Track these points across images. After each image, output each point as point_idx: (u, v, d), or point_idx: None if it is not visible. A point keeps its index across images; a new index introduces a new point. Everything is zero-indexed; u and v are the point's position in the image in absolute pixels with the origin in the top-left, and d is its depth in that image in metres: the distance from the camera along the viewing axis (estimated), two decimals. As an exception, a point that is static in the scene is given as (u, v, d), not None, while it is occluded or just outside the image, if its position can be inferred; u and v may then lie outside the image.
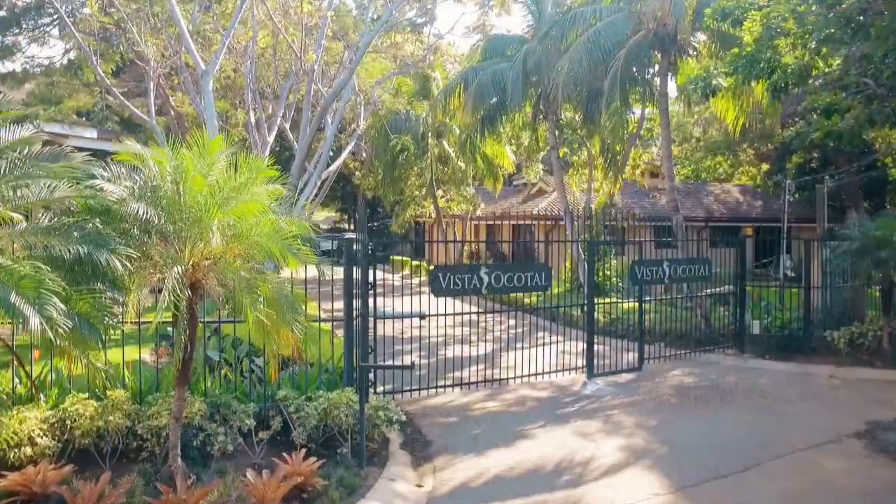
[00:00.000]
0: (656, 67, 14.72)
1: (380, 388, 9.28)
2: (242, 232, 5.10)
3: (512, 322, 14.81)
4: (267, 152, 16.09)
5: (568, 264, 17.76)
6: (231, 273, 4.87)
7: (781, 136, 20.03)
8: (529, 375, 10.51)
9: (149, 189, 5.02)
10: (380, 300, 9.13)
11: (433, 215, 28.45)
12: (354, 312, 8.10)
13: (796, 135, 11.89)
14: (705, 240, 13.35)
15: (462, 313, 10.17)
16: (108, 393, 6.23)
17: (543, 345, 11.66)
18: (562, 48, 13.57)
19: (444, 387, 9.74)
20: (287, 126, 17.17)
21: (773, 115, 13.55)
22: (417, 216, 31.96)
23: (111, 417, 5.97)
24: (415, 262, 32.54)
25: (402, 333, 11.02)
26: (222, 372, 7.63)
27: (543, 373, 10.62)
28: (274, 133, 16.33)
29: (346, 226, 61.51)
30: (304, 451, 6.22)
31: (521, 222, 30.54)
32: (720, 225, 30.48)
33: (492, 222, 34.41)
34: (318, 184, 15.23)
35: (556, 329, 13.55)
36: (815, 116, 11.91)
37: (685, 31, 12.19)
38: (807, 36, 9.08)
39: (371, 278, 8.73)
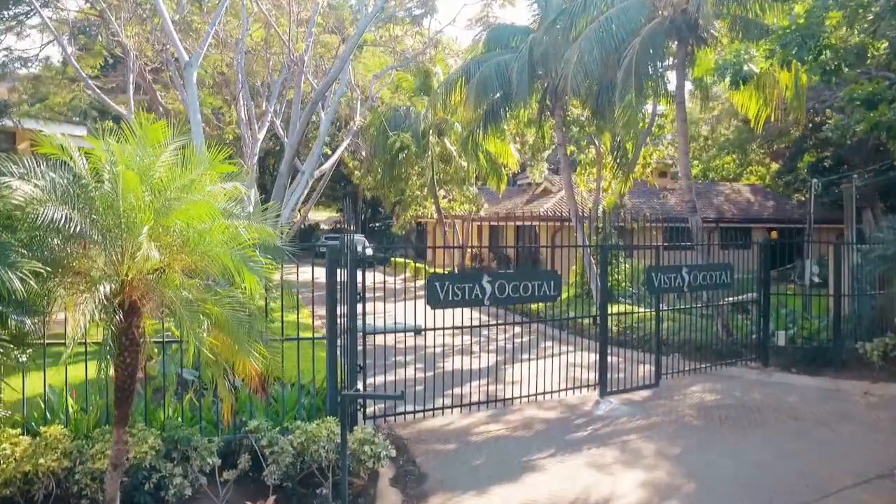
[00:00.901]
0: (670, 60, 13.77)
1: (370, 410, 8.35)
2: (189, 240, 4.15)
3: (517, 330, 13.83)
4: (257, 150, 15.18)
5: (576, 268, 16.82)
6: (171, 291, 3.92)
7: (799, 131, 19.02)
8: (536, 395, 9.54)
9: (76, 188, 4.07)
10: (376, 306, 8.20)
11: (435, 216, 27.53)
12: (339, 329, 7.13)
13: (835, 128, 10.87)
14: (717, 244, 12.28)
15: (462, 327, 9.19)
16: (44, 429, 5.29)
17: (551, 356, 10.64)
18: (570, 38, 12.61)
19: (443, 409, 8.78)
20: (278, 122, 16.24)
21: (799, 107, 12.56)
22: (419, 217, 31.02)
23: (43, 460, 5.03)
24: (416, 265, 31.67)
25: (397, 343, 10.13)
26: (185, 398, 6.68)
27: (552, 392, 9.65)
28: (265, 130, 15.42)
29: (347, 226, 60.70)
30: (274, 497, 5.28)
31: (527, 223, 29.60)
32: (732, 226, 29.50)
33: (496, 223, 33.48)
34: (310, 183, 14.31)
35: (565, 338, 12.59)
36: (845, 108, 10.88)
37: (707, 18, 11.22)
38: (861, 10, 8.07)
39: (360, 287, 7.77)
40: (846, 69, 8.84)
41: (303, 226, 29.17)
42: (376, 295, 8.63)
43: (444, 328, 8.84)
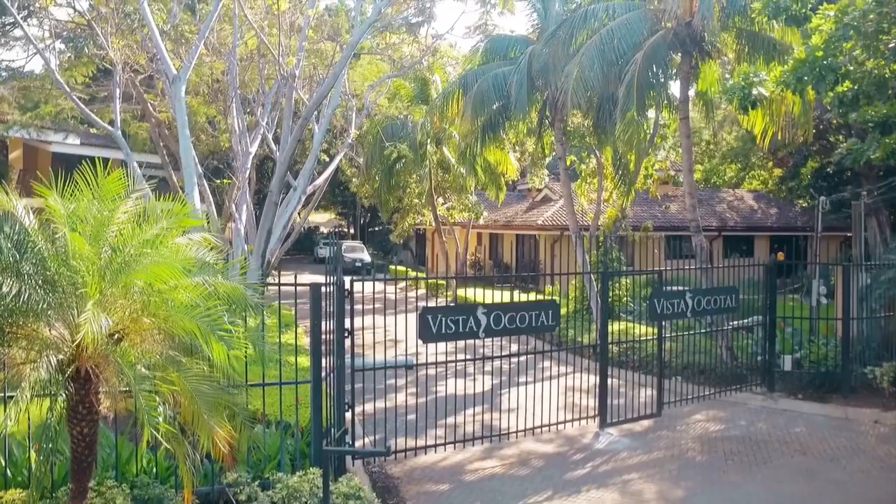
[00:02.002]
0: (673, 72, 13.36)
1: (360, 444, 7.99)
2: (150, 304, 3.78)
3: (514, 347, 13.45)
4: (249, 163, 14.80)
5: (576, 282, 16.42)
6: (125, 365, 3.55)
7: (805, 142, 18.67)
8: (534, 429, 9.16)
9: (21, 252, 3.68)
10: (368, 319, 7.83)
11: (433, 224, 27.19)
12: (325, 371, 6.76)
13: (847, 153, 10.45)
14: (722, 266, 11.82)
15: (456, 360, 8.80)
16: (1, 493, 4.92)
17: (549, 378, 10.20)
18: (570, 50, 12.21)
19: (435, 446, 8.39)
20: (270, 136, 15.86)
21: (807, 123, 12.17)
22: (418, 224, 30.66)
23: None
24: (414, 274, 31.30)
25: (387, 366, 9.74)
26: (160, 448, 6.29)
27: (550, 425, 9.27)
28: (257, 143, 15.03)
29: (347, 230, 60.28)
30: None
31: (526, 233, 29.22)
32: (734, 235, 29.11)
33: (495, 231, 33.09)
34: (303, 199, 13.94)
35: (564, 358, 12.20)
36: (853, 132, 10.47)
37: (713, 31, 10.82)
38: (883, 37, 7.63)
39: (347, 324, 7.40)
40: (865, 102, 8.43)
41: (303, 228, 28.80)
42: (374, 306, 8.25)
43: (436, 363, 8.47)
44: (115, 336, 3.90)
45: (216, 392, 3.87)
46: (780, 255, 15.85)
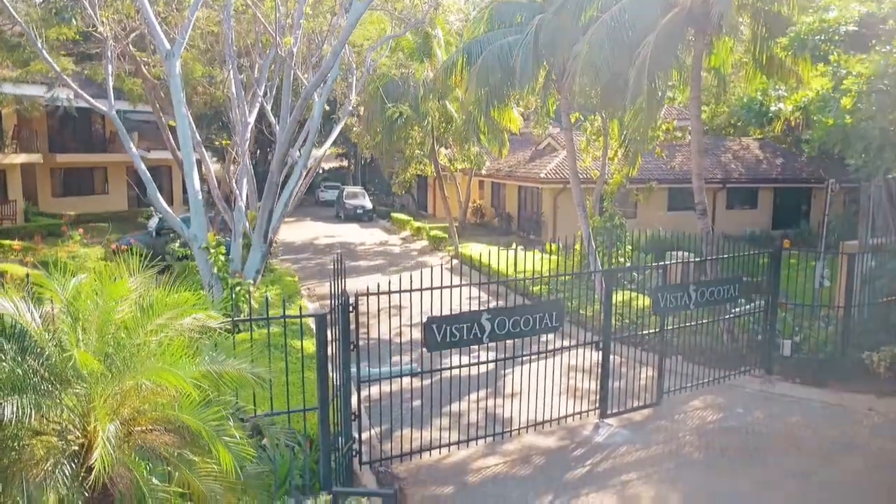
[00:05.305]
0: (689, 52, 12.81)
1: (366, 449, 8.21)
2: (159, 405, 3.79)
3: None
4: (248, 134, 14.47)
5: (578, 233, 16.19)
6: (137, 475, 3.59)
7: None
8: (536, 424, 9.38)
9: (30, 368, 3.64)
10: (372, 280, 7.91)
11: (435, 173, 26.95)
12: (331, 394, 6.87)
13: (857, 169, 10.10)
14: (726, 256, 11.64)
15: (461, 366, 8.84)
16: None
17: (552, 353, 9.67)
18: (580, 24, 11.71)
19: (440, 447, 8.62)
20: (268, 107, 15.44)
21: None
22: (420, 171, 30.29)
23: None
24: (416, 224, 31.20)
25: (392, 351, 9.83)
26: None
27: (551, 420, 9.48)
28: (255, 113, 14.64)
29: (349, 168, 59.63)
30: None
31: (528, 184, 28.94)
32: (739, 186, 28.79)
33: (497, 180, 32.78)
34: (304, 174, 13.72)
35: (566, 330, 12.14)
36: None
37: (733, 17, 10.33)
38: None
39: (353, 338, 7.46)
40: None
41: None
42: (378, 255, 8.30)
43: (441, 368, 8.60)
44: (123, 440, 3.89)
45: (228, 487, 3.92)
46: (787, 243, 15.73)
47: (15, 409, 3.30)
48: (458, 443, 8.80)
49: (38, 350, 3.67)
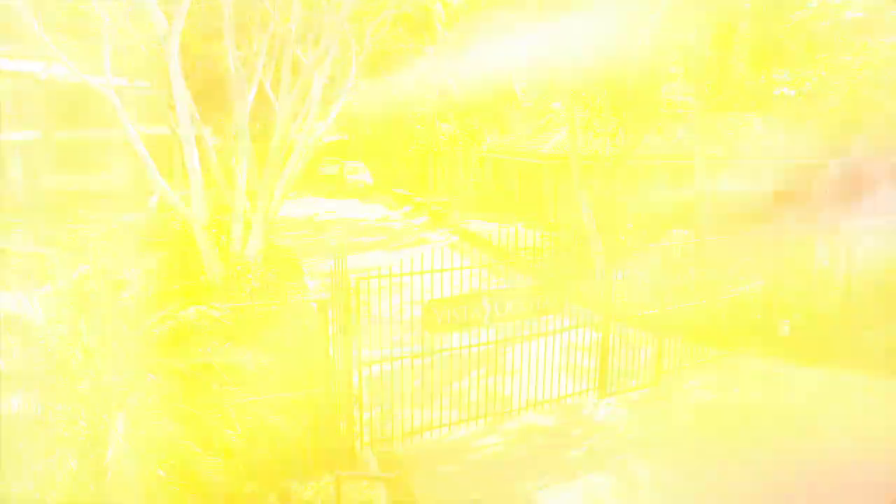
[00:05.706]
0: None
1: (367, 431, 8.31)
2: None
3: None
4: (248, 108, 14.24)
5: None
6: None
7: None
8: (536, 404, 9.45)
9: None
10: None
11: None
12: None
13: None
14: (724, 237, 11.58)
15: (461, 347, 8.81)
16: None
17: (552, 333, 9.55)
18: None
19: (441, 427, 8.72)
20: (267, 84, 15.26)
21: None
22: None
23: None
24: (418, 200, 31.12)
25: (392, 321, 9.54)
26: None
27: (551, 401, 9.56)
28: (254, 88, 14.44)
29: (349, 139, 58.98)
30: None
31: (530, 160, 28.75)
32: (741, 163, 28.54)
33: (499, 155, 32.56)
34: (304, 154, 13.62)
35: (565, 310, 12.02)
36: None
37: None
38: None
39: (353, 320, 7.51)
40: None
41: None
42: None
43: (441, 350, 8.63)
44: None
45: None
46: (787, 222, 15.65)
47: (21, 402, 3.34)
48: (458, 423, 8.89)
49: (43, 343, 3.70)
